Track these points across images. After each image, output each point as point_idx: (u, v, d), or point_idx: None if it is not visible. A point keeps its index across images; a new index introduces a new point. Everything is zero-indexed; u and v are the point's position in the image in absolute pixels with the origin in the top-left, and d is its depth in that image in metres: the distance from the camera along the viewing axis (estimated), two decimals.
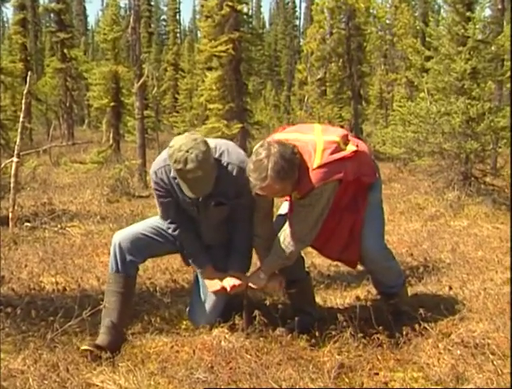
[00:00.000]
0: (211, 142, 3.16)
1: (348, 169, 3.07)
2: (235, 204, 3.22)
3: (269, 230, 3.25)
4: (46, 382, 2.70)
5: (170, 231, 3.32)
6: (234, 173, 3.12)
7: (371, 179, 3.31)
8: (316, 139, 3.10)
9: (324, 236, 3.22)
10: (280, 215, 3.40)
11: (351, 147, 3.16)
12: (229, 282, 3.21)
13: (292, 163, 2.94)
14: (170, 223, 3.29)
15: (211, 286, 3.28)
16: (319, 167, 2.99)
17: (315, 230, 3.12)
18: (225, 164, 3.12)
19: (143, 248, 3.33)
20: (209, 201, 3.18)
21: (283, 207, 3.44)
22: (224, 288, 3.23)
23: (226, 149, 3.16)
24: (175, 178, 3.10)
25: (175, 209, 3.24)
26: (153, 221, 3.42)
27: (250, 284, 3.23)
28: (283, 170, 2.89)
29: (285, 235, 3.13)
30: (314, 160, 3.01)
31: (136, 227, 3.44)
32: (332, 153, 3.04)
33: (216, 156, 3.11)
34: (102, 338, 3.12)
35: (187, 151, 2.90)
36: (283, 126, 3.48)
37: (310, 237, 3.14)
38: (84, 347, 3.01)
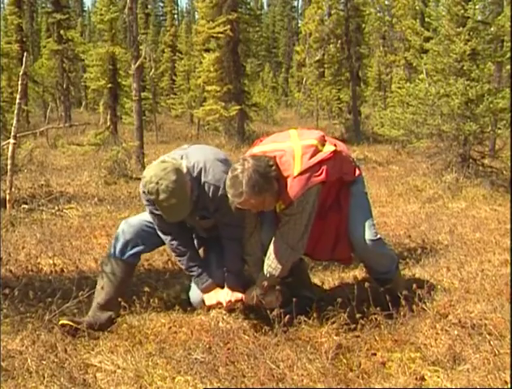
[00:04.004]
0: (192, 157, 3.18)
1: (329, 170, 3.08)
2: (217, 220, 3.26)
3: (257, 247, 3.26)
4: (44, 362, 2.71)
5: (167, 243, 3.33)
6: (210, 193, 3.15)
7: (352, 177, 3.33)
8: (293, 146, 3.11)
9: (312, 240, 3.23)
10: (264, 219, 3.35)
11: (329, 148, 3.17)
12: (226, 297, 3.23)
13: (267, 176, 2.94)
14: (165, 234, 3.30)
15: (208, 300, 3.29)
16: (300, 174, 3.00)
17: (306, 236, 3.12)
18: (202, 183, 3.15)
19: (148, 237, 3.36)
20: (194, 215, 3.22)
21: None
22: (220, 303, 3.25)
23: (203, 167, 3.16)
24: None
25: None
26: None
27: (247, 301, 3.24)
28: (258, 185, 2.90)
29: (276, 247, 3.12)
30: (294, 168, 3.02)
31: (144, 216, 3.44)
32: (311, 157, 3.06)
33: (195, 174, 3.14)
34: (88, 316, 3.21)
35: (157, 183, 2.93)
36: (260, 138, 3.48)
37: (302, 244, 3.14)
38: (63, 321, 3.07)
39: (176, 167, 3.01)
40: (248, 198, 2.91)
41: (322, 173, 3.04)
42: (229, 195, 2.95)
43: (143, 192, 3.15)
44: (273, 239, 3.14)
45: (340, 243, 3.30)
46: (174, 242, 3.29)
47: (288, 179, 3.02)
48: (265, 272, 3.17)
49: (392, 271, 3.47)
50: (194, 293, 3.37)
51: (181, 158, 3.17)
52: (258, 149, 3.21)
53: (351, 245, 3.30)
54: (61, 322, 3.07)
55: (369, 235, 3.25)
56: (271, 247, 3.14)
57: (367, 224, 3.28)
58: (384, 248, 3.43)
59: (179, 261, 3.36)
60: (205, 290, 3.30)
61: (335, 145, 3.22)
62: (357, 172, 3.36)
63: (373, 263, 3.43)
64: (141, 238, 3.35)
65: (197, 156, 3.22)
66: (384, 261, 3.42)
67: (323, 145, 3.17)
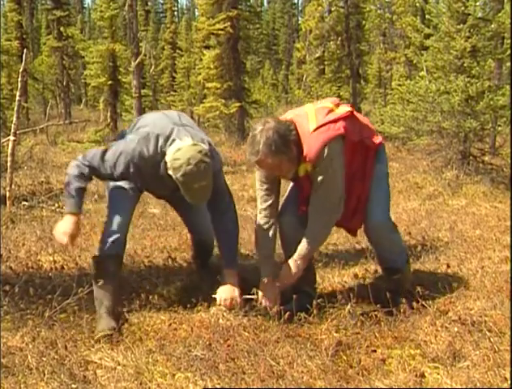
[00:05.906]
0: (194, 135, 3.18)
1: (347, 127, 3.09)
2: (213, 193, 3.23)
3: (272, 241, 3.30)
4: (45, 359, 2.71)
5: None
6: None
7: (374, 141, 3.29)
8: (307, 109, 3.20)
9: None
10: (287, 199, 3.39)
11: (344, 108, 3.21)
12: (222, 295, 3.22)
13: (285, 138, 2.95)
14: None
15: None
16: (317, 128, 3.03)
17: (343, 196, 3.13)
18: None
19: (126, 226, 3.42)
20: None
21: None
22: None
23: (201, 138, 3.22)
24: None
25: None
26: (115, 191, 3.58)
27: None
28: (275, 144, 2.91)
29: (315, 216, 3.12)
30: (310, 125, 3.06)
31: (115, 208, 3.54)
32: (326, 115, 3.10)
33: None
34: (107, 322, 3.10)
35: (196, 165, 2.94)
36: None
37: (341, 205, 3.14)
38: (103, 332, 2.98)
39: (207, 150, 3.06)
40: (264, 157, 2.93)
41: (339, 127, 3.06)
42: (247, 153, 3.00)
43: (169, 168, 3.05)
44: (309, 212, 3.14)
45: (358, 213, 3.30)
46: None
47: (306, 137, 3.03)
48: (304, 242, 3.15)
49: (402, 261, 3.48)
50: None
51: (178, 139, 3.11)
52: None
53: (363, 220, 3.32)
54: (101, 334, 2.97)
55: (384, 218, 3.28)
56: (309, 220, 3.14)
57: (384, 207, 3.31)
58: (396, 235, 3.44)
59: None
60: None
61: (352, 109, 3.26)
62: (379, 138, 3.33)
63: (383, 249, 3.43)
64: (122, 230, 3.37)
65: (191, 132, 3.21)
66: (394, 247, 3.43)
67: (338, 107, 3.22)
